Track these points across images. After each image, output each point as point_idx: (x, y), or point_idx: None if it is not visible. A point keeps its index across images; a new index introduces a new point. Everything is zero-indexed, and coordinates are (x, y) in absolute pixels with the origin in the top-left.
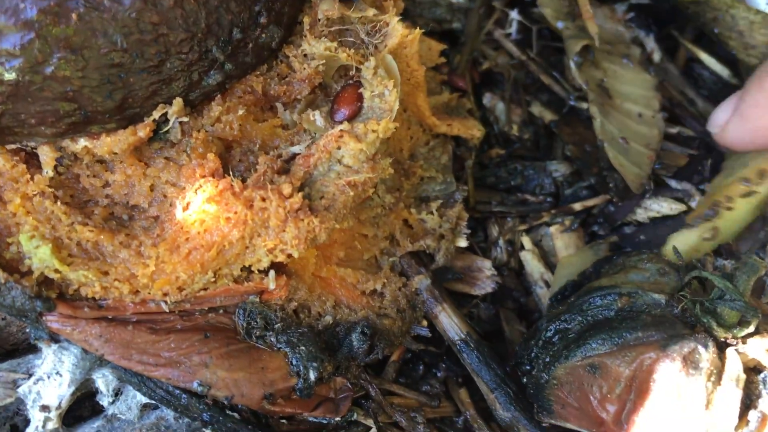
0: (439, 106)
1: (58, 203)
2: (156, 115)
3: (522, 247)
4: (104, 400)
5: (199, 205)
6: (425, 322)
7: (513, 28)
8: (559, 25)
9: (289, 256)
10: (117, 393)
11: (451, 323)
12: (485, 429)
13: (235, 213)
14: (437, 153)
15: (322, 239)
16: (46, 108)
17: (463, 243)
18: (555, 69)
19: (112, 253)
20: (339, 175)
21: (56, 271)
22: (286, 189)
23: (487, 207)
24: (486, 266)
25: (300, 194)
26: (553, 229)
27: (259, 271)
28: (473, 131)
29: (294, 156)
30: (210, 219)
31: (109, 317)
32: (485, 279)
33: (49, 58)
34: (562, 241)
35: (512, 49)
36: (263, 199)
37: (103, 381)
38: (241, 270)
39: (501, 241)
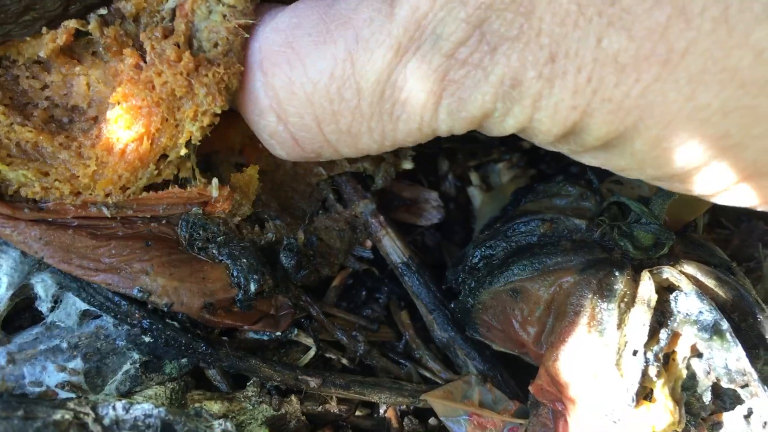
0: None
1: None
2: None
3: (470, 183)
4: (43, 306)
5: (119, 101)
6: (369, 244)
7: None
8: None
9: (217, 115)
10: (56, 300)
11: (394, 247)
12: (424, 349)
13: (144, 99)
14: None
15: (234, 86)
16: None
17: (408, 165)
18: None
19: (51, 154)
20: (225, 17)
21: None
22: (172, 53)
23: (437, 143)
24: (433, 197)
25: (188, 53)
26: (501, 165)
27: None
28: None
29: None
30: (129, 113)
31: (50, 220)
32: (432, 210)
33: None
34: (510, 177)
35: None
36: (159, 74)
37: (42, 286)
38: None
39: (450, 176)
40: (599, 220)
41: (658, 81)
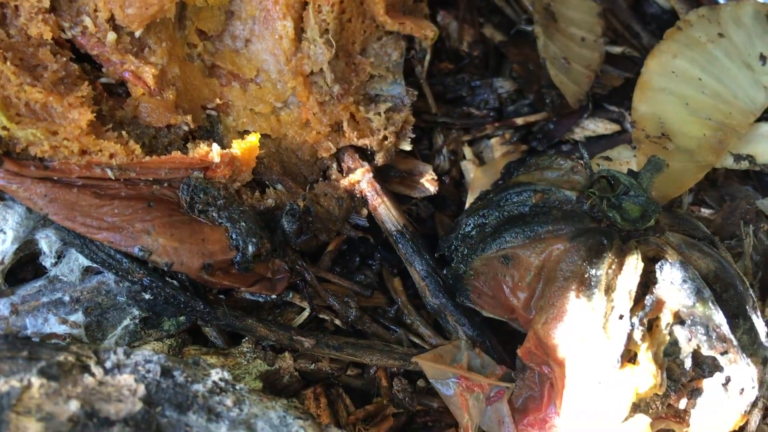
0: (395, 3)
1: (8, 63)
2: None
3: (463, 157)
4: (47, 261)
5: None
6: (365, 212)
7: None
8: None
9: None
10: (60, 256)
11: (389, 215)
12: (415, 315)
13: None
14: (389, 49)
15: None
16: None
17: (407, 147)
18: None
19: (61, 114)
20: None
21: (4, 128)
22: None
23: (432, 117)
24: (427, 170)
25: None
26: (494, 141)
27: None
28: (426, 31)
29: None
30: None
31: (55, 178)
32: (426, 182)
33: None
34: (502, 153)
35: None
36: None
37: (47, 242)
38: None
39: (444, 150)
40: (589, 192)
41: None
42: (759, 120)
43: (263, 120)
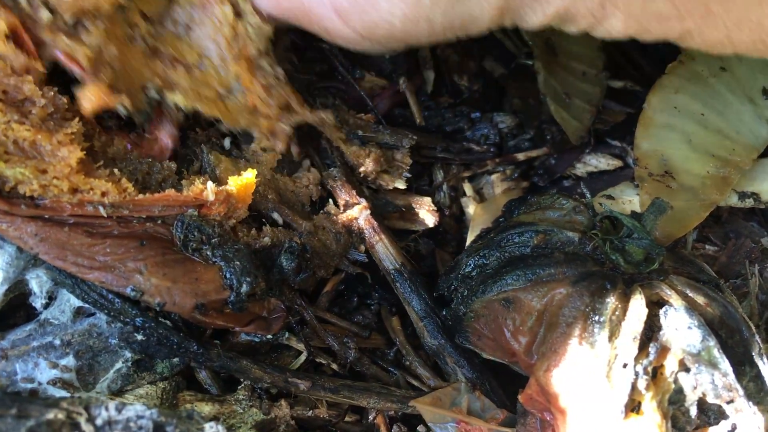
0: None
1: None
2: None
3: (464, 194)
4: (37, 302)
5: None
6: (363, 248)
7: None
8: None
9: None
10: (51, 297)
11: (387, 253)
12: (414, 356)
13: None
14: None
15: None
16: None
17: (401, 185)
18: None
19: (50, 152)
20: None
21: None
22: None
23: (432, 152)
24: (426, 202)
25: None
26: (494, 177)
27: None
28: None
29: None
30: None
31: (46, 217)
32: (425, 214)
33: None
34: (503, 189)
35: None
36: None
37: (37, 282)
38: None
39: (445, 186)
40: (592, 233)
41: None
42: (762, 155)
43: (211, 104)
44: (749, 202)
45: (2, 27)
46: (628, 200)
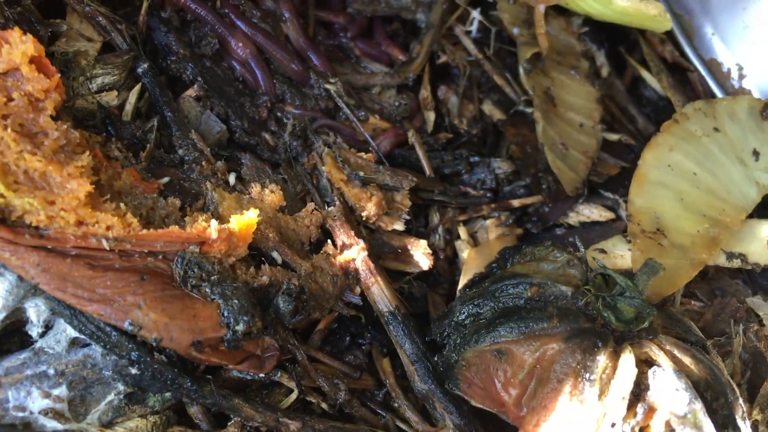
0: None
1: (8, 130)
2: None
3: (458, 237)
4: (33, 331)
5: None
6: (358, 290)
7: (473, 27)
8: (515, 31)
9: None
10: (47, 326)
11: (381, 295)
12: (403, 399)
13: None
14: None
15: None
16: None
17: (399, 227)
18: (508, 71)
19: (60, 183)
20: None
21: (1, 195)
22: None
23: (429, 195)
24: (422, 245)
25: None
26: (489, 222)
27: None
28: None
29: None
30: None
31: (49, 247)
32: (421, 256)
33: None
34: (497, 234)
35: (470, 47)
36: None
37: (35, 311)
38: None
39: (440, 229)
40: (585, 289)
41: None
42: (750, 216)
43: None
44: (737, 263)
45: (29, 50)
46: (620, 255)
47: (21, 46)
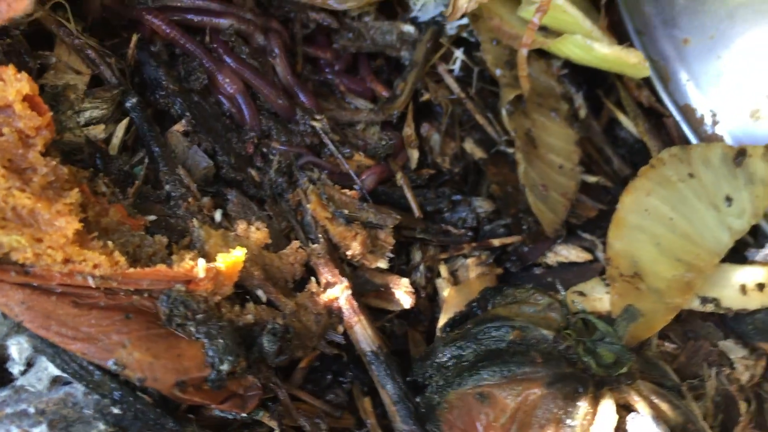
0: None
1: None
2: None
3: (439, 275)
4: (15, 368)
5: None
6: (341, 329)
7: (456, 66)
8: (497, 72)
9: None
10: (29, 363)
11: (364, 335)
12: None
13: None
14: None
15: None
16: None
17: (383, 265)
18: (490, 110)
19: (48, 221)
20: None
21: None
22: None
23: (411, 233)
24: (404, 283)
25: None
26: (470, 261)
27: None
28: None
29: None
30: None
31: (35, 285)
32: (403, 295)
33: None
34: (477, 273)
35: (453, 86)
36: None
37: (17, 348)
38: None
39: (422, 267)
40: (566, 333)
41: None
42: (723, 260)
43: None
44: (710, 307)
45: (24, 89)
46: (599, 298)
47: (16, 84)
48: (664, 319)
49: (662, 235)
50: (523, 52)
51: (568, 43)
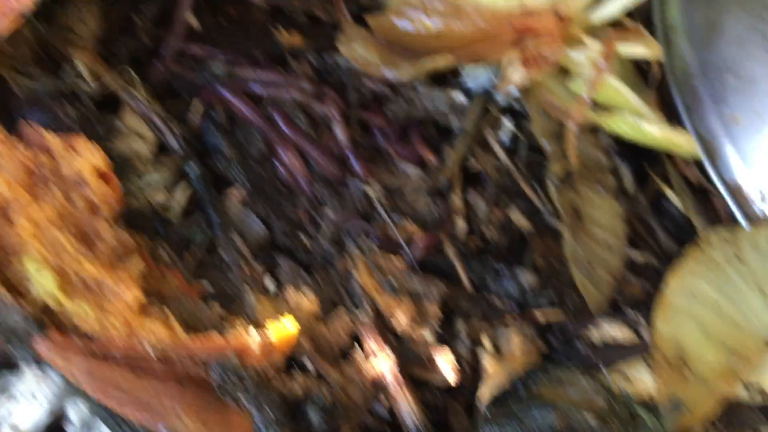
0: None
1: (66, 233)
2: None
3: (482, 347)
4: (72, 430)
5: None
6: (387, 403)
7: (506, 136)
8: (545, 143)
9: None
10: (85, 426)
11: (409, 410)
12: None
13: None
14: None
15: None
16: None
17: (429, 337)
18: (537, 181)
19: (112, 290)
20: None
21: (57, 301)
22: None
23: (455, 303)
24: (449, 357)
25: None
26: (513, 333)
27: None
28: None
29: None
30: None
31: (97, 352)
32: (447, 369)
33: None
34: (519, 345)
35: (501, 154)
36: None
37: (76, 411)
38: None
39: (465, 337)
40: (611, 422)
41: None
42: None
43: None
44: (758, 398)
45: (98, 163)
46: (643, 382)
47: (89, 156)
48: (711, 408)
49: (708, 320)
50: (573, 127)
51: (617, 120)
